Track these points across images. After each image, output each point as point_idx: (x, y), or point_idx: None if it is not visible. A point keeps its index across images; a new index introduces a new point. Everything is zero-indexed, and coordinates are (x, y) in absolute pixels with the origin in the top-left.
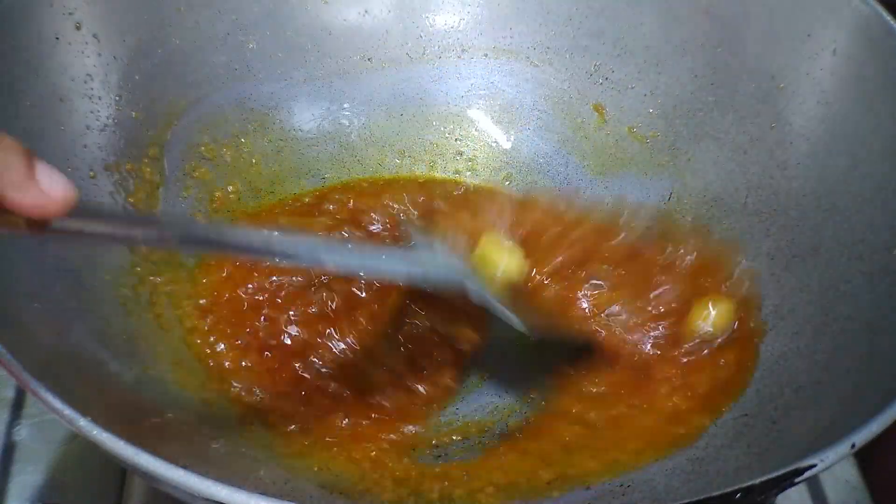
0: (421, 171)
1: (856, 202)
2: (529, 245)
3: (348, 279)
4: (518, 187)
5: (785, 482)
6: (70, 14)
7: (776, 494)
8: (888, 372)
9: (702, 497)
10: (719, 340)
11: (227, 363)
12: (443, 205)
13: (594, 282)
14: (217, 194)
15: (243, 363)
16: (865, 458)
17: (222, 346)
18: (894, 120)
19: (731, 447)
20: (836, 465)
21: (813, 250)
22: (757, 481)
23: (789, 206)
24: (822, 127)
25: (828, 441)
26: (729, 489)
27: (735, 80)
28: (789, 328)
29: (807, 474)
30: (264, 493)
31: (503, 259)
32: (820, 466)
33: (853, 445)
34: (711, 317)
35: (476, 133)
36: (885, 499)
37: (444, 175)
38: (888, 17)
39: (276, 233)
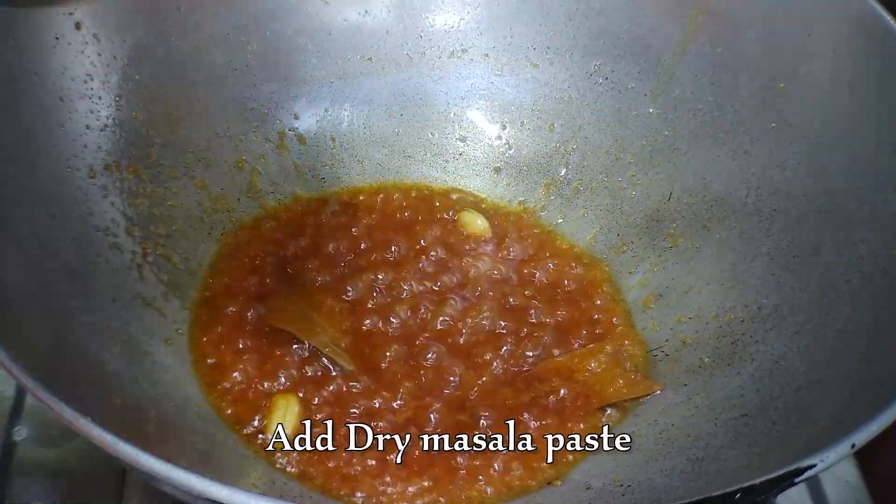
0: (421, 170)
1: (856, 202)
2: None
3: None
4: (518, 187)
5: (785, 482)
6: (70, 14)
7: (776, 494)
8: (888, 372)
9: (702, 497)
10: None
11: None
12: None
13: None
14: (216, 194)
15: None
16: (865, 458)
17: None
18: (894, 120)
19: (731, 447)
20: (836, 465)
21: (813, 250)
22: (757, 481)
23: (789, 206)
24: (822, 127)
25: (828, 441)
26: (729, 489)
27: (735, 80)
28: (789, 328)
29: (807, 474)
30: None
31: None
32: (820, 466)
33: (853, 445)
34: None
35: (476, 133)
36: (885, 499)
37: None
38: (888, 17)
39: None
